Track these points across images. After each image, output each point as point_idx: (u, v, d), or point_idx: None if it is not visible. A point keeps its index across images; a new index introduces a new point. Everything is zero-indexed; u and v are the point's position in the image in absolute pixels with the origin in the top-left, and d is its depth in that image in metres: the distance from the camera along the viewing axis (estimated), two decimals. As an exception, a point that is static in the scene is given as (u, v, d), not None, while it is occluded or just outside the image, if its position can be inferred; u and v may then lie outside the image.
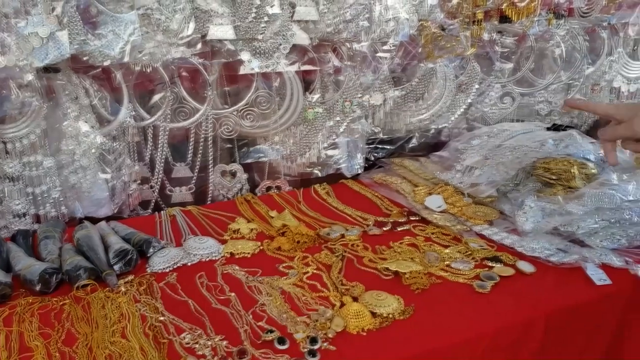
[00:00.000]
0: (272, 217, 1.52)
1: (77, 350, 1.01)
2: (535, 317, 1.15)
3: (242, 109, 1.57)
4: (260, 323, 1.08)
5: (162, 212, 1.55)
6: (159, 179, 1.57)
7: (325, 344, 1.01)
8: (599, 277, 1.25)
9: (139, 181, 1.55)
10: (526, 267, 1.28)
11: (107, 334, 1.05)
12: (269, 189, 1.72)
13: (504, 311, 1.15)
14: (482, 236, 1.44)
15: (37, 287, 1.16)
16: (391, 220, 1.52)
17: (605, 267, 1.28)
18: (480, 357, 1.09)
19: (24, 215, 1.43)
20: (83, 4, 1.27)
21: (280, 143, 1.68)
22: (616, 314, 1.26)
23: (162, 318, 1.09)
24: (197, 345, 1.01)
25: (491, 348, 1.10)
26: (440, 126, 1.93)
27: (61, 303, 1.15)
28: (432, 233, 1.46)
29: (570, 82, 2.05)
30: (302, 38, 1.54)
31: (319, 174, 1.77)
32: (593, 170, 1.58)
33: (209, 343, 1.02)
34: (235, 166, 1.64)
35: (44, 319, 1.10)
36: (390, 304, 1.11)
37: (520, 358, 1.15)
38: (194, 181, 1.62)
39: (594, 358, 1.26)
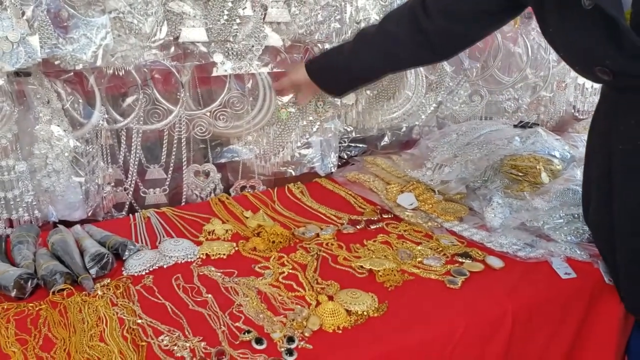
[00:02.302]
0: (247, 218, 1.53)
1: (55, 355, 1.01)
2: (503, 311, 1.19)
3: (216, 109, 1.58)
4: (237, 324, 1.09)
5: (136, 214, 1.55)
6: (133, 181, 1.57)
7: (302, 342, 1.04)
8: (564, 271, 1.31)
9: (112, 184, 1.54)
10: (495, 262, 1.33)
11: (85, 338, 1.05)
12: (243, 188, 1.73)
13: (474, 306, 1.19)
14: (452, 232, 1.49)
15: (13, 293, 1.16)
16: (364, 219, 1.55)
17: (570, 261, 1.34)
18: (452, 351, 1.13)
19: (-4, 220, 1.42)
20: (54, 8, 1.26)
21: (254, 143, 1.68)
22: (581, 306, 1.31)
23: (139, 321, 1.10)
24: (175, 347, 1.02)
25: (462, 342, 1.14)
26: (411, 124, 1.97)
27: (37, 308, 1.14)
28: (405, 230, 1.49)
29: (537, 79, 2.12)
30: (274, 39, 1.56)
31: (293, 173, 1.79)
32: (558, 167, 1.64)
33: (187, 345, 1.03)
34: (209, 166, 1.64)
35: (20, 324, 1.09)
36: (364, 302, 1.14)
37: (490, 350, 1.19)
38: (167, 183, 1.62)
39: (560, 348, 1.31)
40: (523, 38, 2.02)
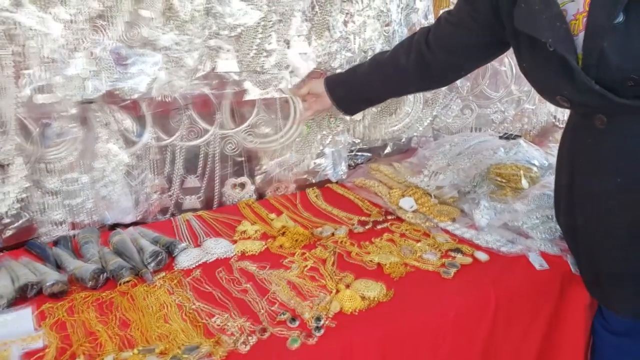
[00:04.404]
0: (272, 220, 1.78)
1: (132, 333, 1.23)
2: (488, 297, 1.41)
3: (245, 129, 1.84)
4: (273, 307, 1.32)
5: (177, 217, 1.79)
6: (176, 190, 1.83)
7: (327, 321, 1.27)
8: (539, 263, 1.53)
9: (158, 192, 1.80)
10: (482, 256, 1.55)
11: (153, 320, 1.27)
12: (277, 189, 2.00)
13: (464, 293, 1.41)
14: (446, 231, 1.71)
15: (89, 284, 1.39)
16: (372, 220, 1.79)
17: (544, 255, 1.56)
18: (446, 330, 1.36)
19: (62, 223, 1.66)
20: (115, 48, 1.50)
21: (281, 156, 1.94)
22: (554, 292, 1.53)
23: (194, 306, 1.32)
24: (227, 326, 1.24)
25: (455, 322, 1.36)
26: (410, 135, 2.21)
27: (110, 297, 1.36)
28: (406, 230, 1.72)
29: (521, 94, 2.38)
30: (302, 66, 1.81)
31: (312, 180, 2.04)
32: (537, 174, 1.88)
33: (236, 324, 1.25)
34: (244, 179, 1.90)
35: (99, 309, 1.31)
36: (375, 289, 1.37)
37: (477, 329, 1.41)
38: (202, 191, 1.87)
39: (537, 328, 1.53)
40: (508, 59, 2.26)
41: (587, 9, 1.22)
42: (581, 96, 1.28)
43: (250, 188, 1.91)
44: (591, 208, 1.39)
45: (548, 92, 1.41)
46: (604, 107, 1.27)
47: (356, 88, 1.81)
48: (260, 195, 1.99)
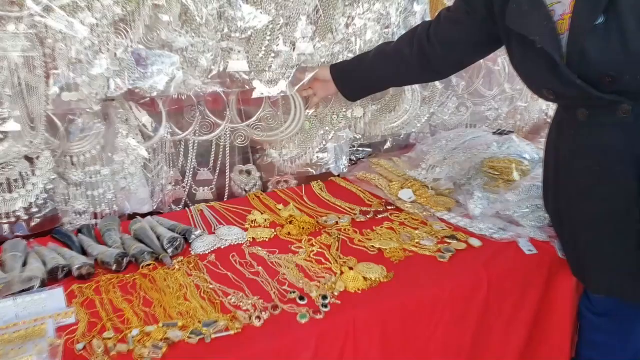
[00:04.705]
0: (280, 210, 1.91)
1: (155, 310, 1.34)
2: (480, 279, 1.52)
3: (253, 124, 1.96)
4: (284, 287, 1.43)
5: (192, 207, 1.91)
6: (189, 182, 1.95)
7: (333, 299, 1.38)
8: (528, 249, 1.64)
9: (173, 183, 1.91)
10: (475, 242, 1.66)
11: (173, 299, 1.38)
12: (278, 182, 2.12)
13: (458, 275, 1.51)
14: (442, 220, 1.83)
15: (113, 267, 1.50)
16: (373, 210, 1.91)
17: (533, 241, 1.67)
18: (442, 308, 1.46)
19: (85, 212, 1.77)
20: (136, 50, 1.62)
21: (285, 148, 2.06)
22: (542, 275, 1.64)
23: (211, 286, 1.43)
24: (241, 304, 1.35)
25: (450, 301, 1.47)
26: (408, 131, 2.33)
27: (133, 278, 1.47)
28: (405, 219, 1.84)
29: (514, 92, 2.50)
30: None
31: (314, 173, 2.15)
32: (528, 167, 1.99)
33: (250, 302, 1.36)
34: (250, 166, 2.03)
35: (123, 289, 1.42)
36: (376, 271, 1.48)
37: (470, 308, 1.52)
38: (214, 183, 2.00)
39: (528, 308, 1.64)
40: (502, 59, 2.37)
41: (572, 10, 1.33)
42: (565, 90, 1.39)
43: (255, 175, 2.04)
44: (574, 195, 1.51)
45: (535, 85, 1.53)
46: (585, 100, 1.38)
47: (361, 75, 1.92)
48: (265, 185, 2.10)
